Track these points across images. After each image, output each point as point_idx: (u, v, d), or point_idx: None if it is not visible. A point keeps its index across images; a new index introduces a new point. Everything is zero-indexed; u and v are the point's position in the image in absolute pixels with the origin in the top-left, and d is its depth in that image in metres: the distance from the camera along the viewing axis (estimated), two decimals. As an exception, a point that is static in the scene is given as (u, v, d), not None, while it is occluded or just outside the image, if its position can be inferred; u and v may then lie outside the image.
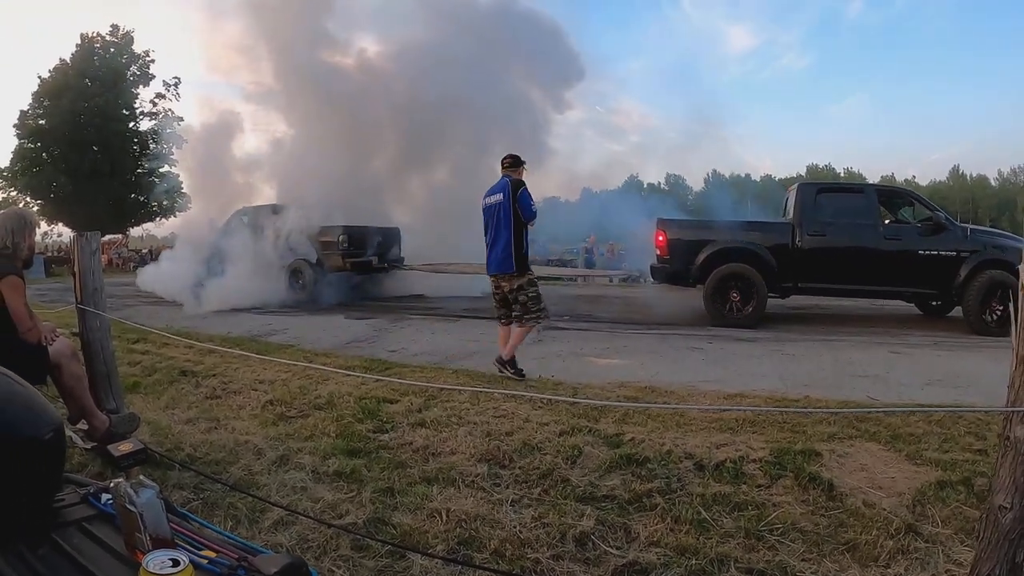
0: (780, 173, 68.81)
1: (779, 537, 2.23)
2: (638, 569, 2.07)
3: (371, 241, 11.18)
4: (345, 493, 2.63)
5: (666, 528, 2.31)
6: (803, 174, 62.60)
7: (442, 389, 3.98)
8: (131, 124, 30.36)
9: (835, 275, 7.65)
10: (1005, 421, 1.57)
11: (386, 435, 3.35)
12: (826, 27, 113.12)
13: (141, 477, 1.04)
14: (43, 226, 29.02)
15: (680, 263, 8.05)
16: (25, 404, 1.07)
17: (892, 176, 63.80)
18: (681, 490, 2.62)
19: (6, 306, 2.83)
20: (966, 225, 8.06)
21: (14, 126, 28.16)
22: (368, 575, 2.04)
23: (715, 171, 63.73)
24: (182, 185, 23.16)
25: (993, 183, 66.93)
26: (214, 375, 4.78)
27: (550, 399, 3.76)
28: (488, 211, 4.95)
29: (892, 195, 8.84)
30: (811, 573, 2.02)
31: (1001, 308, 6.88)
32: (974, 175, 67.95)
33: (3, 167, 28.68)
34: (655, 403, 3.85)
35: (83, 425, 3.05)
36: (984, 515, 1.62)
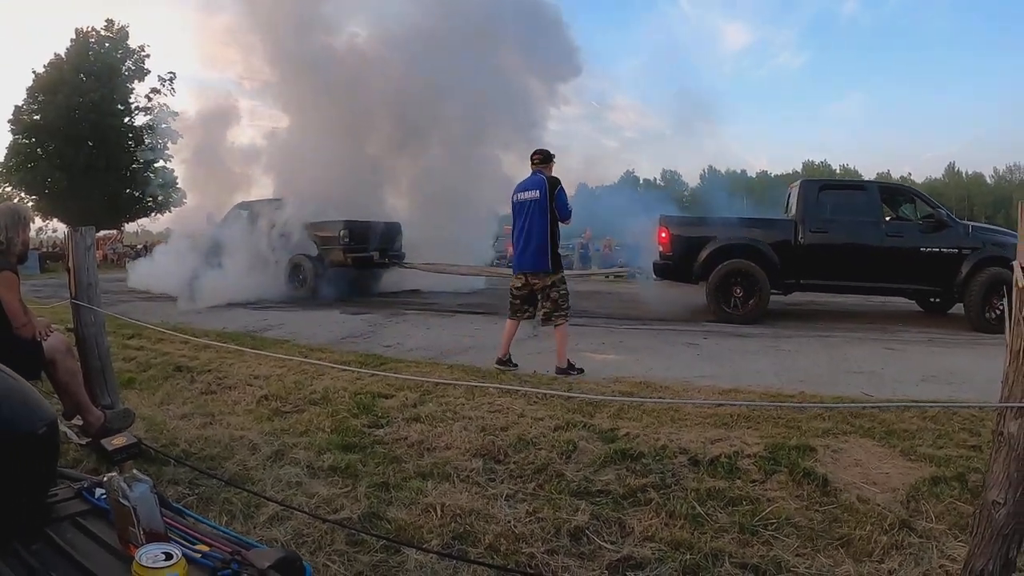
0: (776, 170, 69.02)
1: (773, 532, 2.24)
2: (632, 563, 2.08)
3: (373, 236, 10.98)
4: (340, 488, 2.63)
5: (661, 523, 2.32)
6: (799, 171, 62.59)
7: (437, 384, 3.97)
8: (126, 119, 30.10)
9: (837, 272, 7.66)
10: (999, 417, 1.57)
11: (381, 430, 3.35)
12: (822, 25, 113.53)
13: (135, 471, 1.03)
14: (38, 221, 28.85)
15: (683, 260, 8.05)
16: (19, 399, 1.07)
17: (888, 173, 64.14)
18: (676, 485, 2.63)
19: (0, 302, 2.82)
20: (967, 222, 8.07)
21: (9, 121, 27.90)
22: (363, 570, 2.04)
23: (711, 167, 64.03)
24: (177, 180, 23.18)
25: (989, 181, 67.07)
26: (209, 370, 4.77)
27: (545, 394, 3.77)
28: (520, 207, 4.82)
29: (894, 192, 8.84)
30: (805, 568, 2.03)
31: (1002, 305, 6.89)
32: (970, 173, 68.07)
33: (-2, 162, 28.53)
34: (650, 398, 3.85)
35: (78, 421, 3.04)
36: (978, 511, 1.63)
